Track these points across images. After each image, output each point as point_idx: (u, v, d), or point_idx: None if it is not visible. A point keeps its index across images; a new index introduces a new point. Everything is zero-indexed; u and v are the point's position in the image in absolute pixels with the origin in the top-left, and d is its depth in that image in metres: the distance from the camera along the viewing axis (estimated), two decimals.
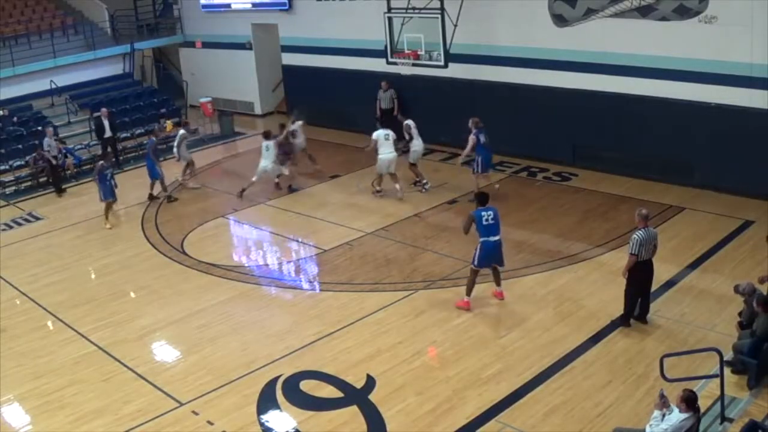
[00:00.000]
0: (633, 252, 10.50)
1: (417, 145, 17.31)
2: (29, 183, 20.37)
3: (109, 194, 16.93)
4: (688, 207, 15.17)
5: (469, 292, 11.89)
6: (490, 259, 11.73)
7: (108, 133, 20.95)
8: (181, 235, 15.99)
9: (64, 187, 19.83)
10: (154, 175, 18.13)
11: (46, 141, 19.88)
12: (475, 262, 11.69)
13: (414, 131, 17.28)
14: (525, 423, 9.11)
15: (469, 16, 18.08)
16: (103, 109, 21.18)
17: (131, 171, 21.36)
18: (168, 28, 28.20)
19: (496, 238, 11.63)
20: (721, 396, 8.42)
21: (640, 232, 10.51)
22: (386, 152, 16.78)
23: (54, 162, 19.72)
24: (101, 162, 17.30)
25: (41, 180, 20.35)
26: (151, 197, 18.30)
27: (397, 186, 16.92)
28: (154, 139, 18.70)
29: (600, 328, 11.02)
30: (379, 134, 16.92)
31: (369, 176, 17.98)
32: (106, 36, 26.40)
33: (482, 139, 15.98)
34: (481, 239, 11.57)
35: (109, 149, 21.13)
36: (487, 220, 11.54)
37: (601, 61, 16.87)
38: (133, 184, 20.06)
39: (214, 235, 16.18)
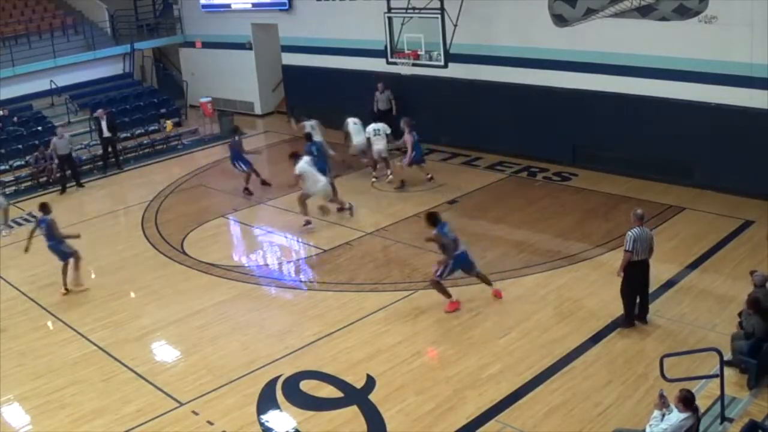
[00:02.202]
0: (628, 249, 10.51)
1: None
2: (29, 183, 20.37)
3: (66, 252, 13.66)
4: (688, 207, 15.17)
5: (449, 294, 11.90)
6: (460, 269, 11.85)
7: (106, 134, 20.92)
8: (181, 235, 15.99)
9: (83, 181, 20.04)
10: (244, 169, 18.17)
11: (56, 140, 19.52)
12: (444, 274, 11.75)
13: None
14: (525, 423, 9.11)
15: (469, 16, 18.08)
16: (100, 110, 21.15)
17: (131, 171, 21.39)
18: (168, 28, 28.21)
19: (464, 248, 11.79)
20: (721, 396, 8.42)
21: (635, 229, 10.54)
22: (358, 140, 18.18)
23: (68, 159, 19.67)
24: (43, 216, 13.80)
25: (41, 180, 20.37)
26: (247, 191, 18.24)
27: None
28: (236, 138, 18.51)
29: (600, 328, 11.02)
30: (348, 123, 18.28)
31: (369, 176, 18.07)
32: (106, 36, 26.40)
33: (416, 136, 17.17)
34: (453, 254, 11.65)
35: (110, 149, 21.14)
36: (448, 235, 11.66)
37: (601, 61, 16.87)
38: (133, 184, 20.14)
39: (214, 235, 16.18)
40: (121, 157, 21.65)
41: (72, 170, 19.86)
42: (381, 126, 17.81)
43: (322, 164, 16.20)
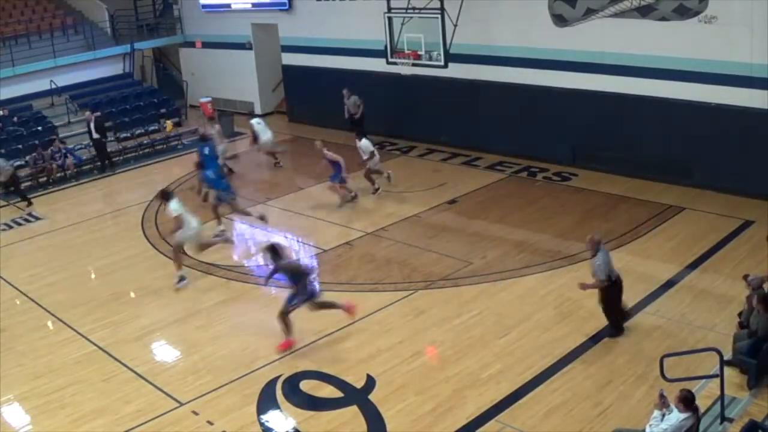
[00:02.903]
0: (603, 278, 10.31)
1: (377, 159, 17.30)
2: (29, 183, 20.35)
3: None
4: (687, 207, 15.16)
5: (289, 332, 11.16)
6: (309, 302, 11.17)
7: (95, 136, 20.96)
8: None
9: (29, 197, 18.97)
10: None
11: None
12: (292, 306, 11.09)
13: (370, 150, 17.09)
14: (525, 423, 9.11)
15: (469, 16, 18.09)
16: (87, 113, 21.26)
17: (132, 171, 21.39)
18: (168, 28, 28.21)
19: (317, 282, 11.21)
20: (721, 396, 8.42)
21: (599, 255, 10.31)
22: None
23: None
24: None
25: (41, 180, 20.39)
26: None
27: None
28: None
29: (600, 328, 10.99)
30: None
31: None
32: (106, 36, 26.41)
33: (330, 156, 16.50)
34: (300, 287, 11.02)
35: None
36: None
37: (601, 61, 16.87)
38: (134, 184, 20.13)
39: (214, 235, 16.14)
40: (119, 157, 21.66)
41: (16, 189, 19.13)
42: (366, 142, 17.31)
43: (214, 165, 16.24)
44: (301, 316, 12.28)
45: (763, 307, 9.07)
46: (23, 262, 15.24)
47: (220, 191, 15.62)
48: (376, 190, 17.24)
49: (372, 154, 17.07)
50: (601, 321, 11.11)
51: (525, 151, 18.78)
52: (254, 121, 20.00)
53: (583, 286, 10.62)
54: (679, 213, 14.97)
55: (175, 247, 13.74)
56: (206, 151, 16.80)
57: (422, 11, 18.44)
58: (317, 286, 11.36)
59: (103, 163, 21.23)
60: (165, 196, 13.78)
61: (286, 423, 9.57)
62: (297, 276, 11.16)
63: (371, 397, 9.88)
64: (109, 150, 21.62)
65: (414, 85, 20.35)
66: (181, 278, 13.56)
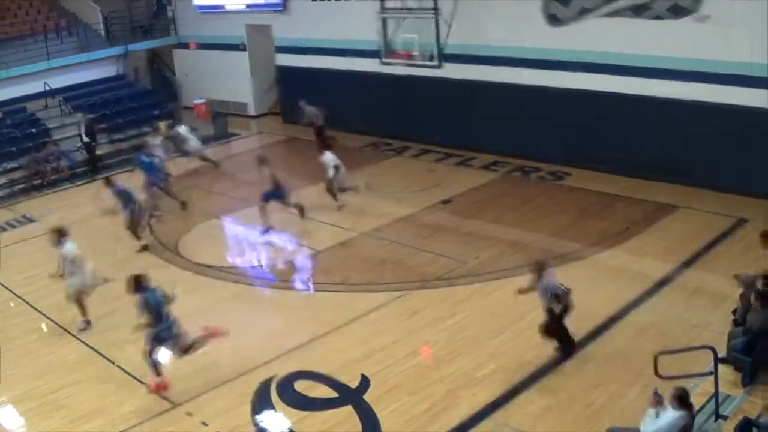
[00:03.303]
0: (563, 290, 10.19)
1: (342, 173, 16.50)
2: (23, 185, 20.33)
3: None
4: (682, 205, 15.18)
5: (159, 372, 10.36)
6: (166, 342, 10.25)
7: (85, 139, 20.99)
8: (175, 237, 15.95)
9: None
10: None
11: None
12: (154, 350, 10.25)
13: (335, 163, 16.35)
14: (519, 422, 9.11)
15: (463, 16, 18.10)
16: (79, 115, 21.24)
17: (126, 172, 21.27)
18: (162, 29, 28.17)
19: (173, 319, 10.25)
20: (716, 393, 8.43)
21: (547, 276, 10.19)
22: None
23: None
24: None
25: (35, 182, 20.34)
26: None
27: None
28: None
29: (594, 327, 11.01)
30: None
31: (364, 177, 18.00)
32: (99, 38, 26.36)
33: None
34: (160, 326, 10.12)
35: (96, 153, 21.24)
36: (153, 302, 10.13)
37: (595, 61, 16.89)
38: (129, 185, 20.03)
39: (208, 236, 16.13)
40: (113, 159, 21.58)
41: None
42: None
43: (155, 174, 16.88)
44: (297, 316, 12.30)
45: (761, 303, 9.08)
46: (19, 264, 15.19)
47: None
48: (341, 207, 16.45)
49: (336, 169, 16.26)
50: (596, 320, 11.16)
51: (519, 151, 18.79)
52: (181, 128, 20.16)
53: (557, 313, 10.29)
54: (674, 211, 14.98)
55: (74, 300, 12.34)
56: (144, 158, 16.97)
57: (416, 12, 18.45)
58: (178, 330, 10.27)
59: (94, 165, 21.23)
60: (62, 233, 12.18)
61: (280, 423, 9.56)
62: (155, 313, 10.14)
63: (366, 397, 9.88)
64: (100, 152, 21.63)
65: (408, 86, 20.35)
66: (87, 322, 12.38)
